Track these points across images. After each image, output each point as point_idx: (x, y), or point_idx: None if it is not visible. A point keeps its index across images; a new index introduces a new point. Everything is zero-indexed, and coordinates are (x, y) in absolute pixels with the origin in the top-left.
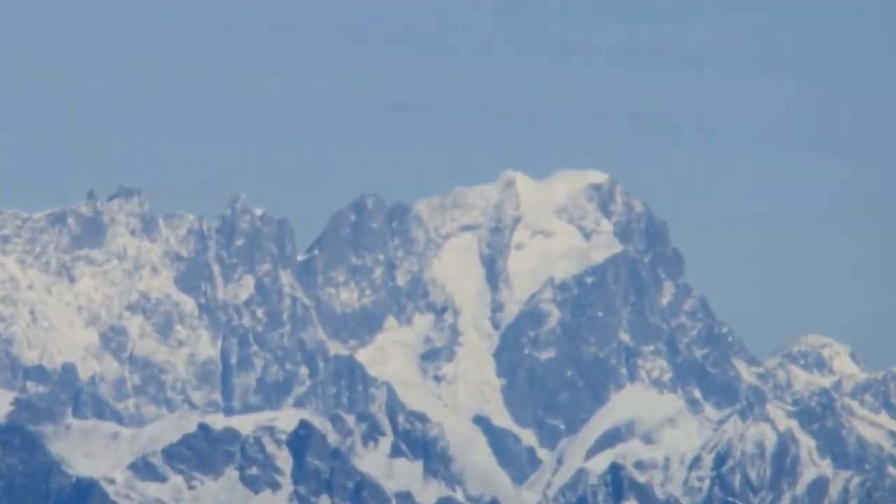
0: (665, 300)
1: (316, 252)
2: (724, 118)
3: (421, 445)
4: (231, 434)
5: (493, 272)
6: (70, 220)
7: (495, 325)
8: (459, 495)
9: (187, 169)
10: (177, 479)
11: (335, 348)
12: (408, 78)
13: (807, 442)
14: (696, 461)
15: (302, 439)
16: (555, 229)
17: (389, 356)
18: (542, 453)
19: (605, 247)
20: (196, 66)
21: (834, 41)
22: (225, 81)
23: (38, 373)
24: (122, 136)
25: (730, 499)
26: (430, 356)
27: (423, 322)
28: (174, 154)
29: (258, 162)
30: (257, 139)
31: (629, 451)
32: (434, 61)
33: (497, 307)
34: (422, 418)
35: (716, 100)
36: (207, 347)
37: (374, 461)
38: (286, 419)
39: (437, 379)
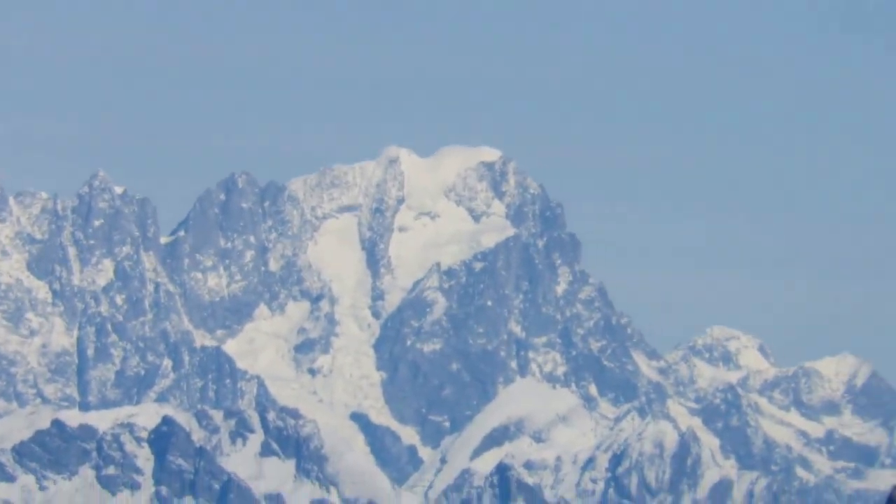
0: (560, 288)
1: (181, 234)
2: (629, 92)
3: (293, 444)
4: (87, 431)
5: (374, 257)
6: None
7: (375, 315)
8: (334, 497)
9: (40, 143)
10: (27, 479)
11: (201, 339)
12: (283, 47)
13: (710, 441)
14: (589, 462)
15: (164, 437)
16: (441, 211)
17: (260, 348)
18: (425, 452)
19: (496, 230)
20: (52, 31)
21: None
22: (82, 48)
23: None
24: None
25: (625, 502)
26: (305, 348)
27: (297, 311)
28: (26, 126)
29: (118, 136)
30: (117, 111)
31: (518, 450)
32: (312, 29)
33: (378, 295)
34: (294, 415)
35: (620, 71)
36: (62, 337)
37: (242, 460)
38: (147, 415)
39: (312, 372)
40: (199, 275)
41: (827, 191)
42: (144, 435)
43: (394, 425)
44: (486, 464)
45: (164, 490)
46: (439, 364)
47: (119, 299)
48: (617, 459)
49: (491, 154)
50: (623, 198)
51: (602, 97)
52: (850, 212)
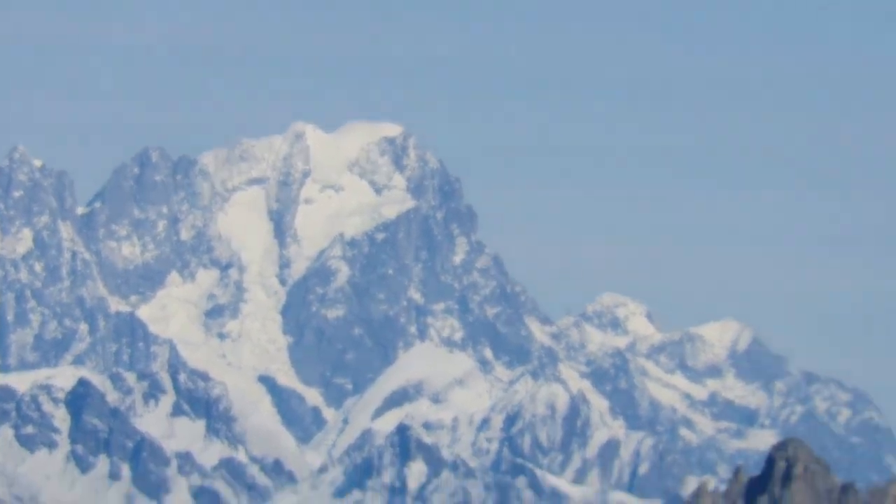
0: (458, 258)
1: (97, 205)
2: (524, 68)
3: (203, 404)
4: (6, 392)
5: (281, 227)
6: None
7: (282, 282)
8: (242, 455)
9: None
10: None
11: (116, 304)
12: (193, 26)
13: (599, 403)
14: (485, 422)
15: (80, 398)
16: (345, 184)
17: (172, 313)
18: (328, 413)
19: (396, 202)
20: None
21: None
22: (1, 26)
23: None
24: None
25: (519, 460)
26: (215, 313)
27: (207, 278)
28: None
29: (37, 111)
30: (36, 87)
31: (417, 411)
32: (221, 7)
33: (284, 263)
34: (204, 377)
35: (517, 47)
36: None
37: (154, 420)
38: (64, 377)
39: (222, 337)
40: (114, 244)
41: (710, 159)
42: (61, 396)
43: (299, 387)
44: (386, 424)
45: (79, 448)
46: (342, 329)
47: (38, 267)
48: (511, 420)
49: (392, 129)
50: (518, 172)
51: (498, 75)
52: (736, 180)
